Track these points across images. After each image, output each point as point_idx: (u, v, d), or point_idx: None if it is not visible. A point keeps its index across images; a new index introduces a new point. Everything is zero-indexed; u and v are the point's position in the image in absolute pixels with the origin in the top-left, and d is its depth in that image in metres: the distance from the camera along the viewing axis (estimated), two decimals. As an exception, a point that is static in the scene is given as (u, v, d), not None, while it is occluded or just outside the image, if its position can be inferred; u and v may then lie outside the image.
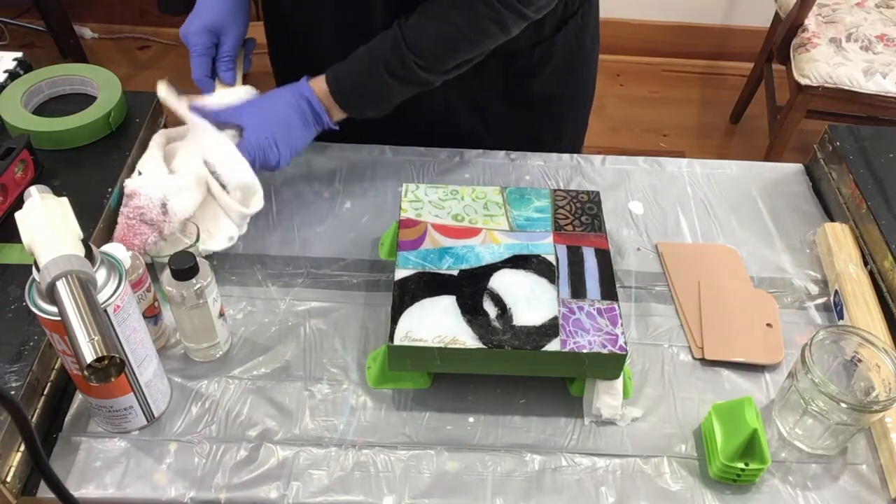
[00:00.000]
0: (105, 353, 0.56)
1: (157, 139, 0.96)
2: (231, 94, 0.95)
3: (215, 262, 0.91)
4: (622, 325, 0.77)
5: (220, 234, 0.90)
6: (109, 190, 0.92)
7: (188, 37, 0.97)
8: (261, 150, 0.89)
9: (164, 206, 0.85)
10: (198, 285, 0.75)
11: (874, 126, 1.09)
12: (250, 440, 0.76)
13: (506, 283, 0.80)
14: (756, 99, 2.55)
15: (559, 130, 1.17)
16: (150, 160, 0.93)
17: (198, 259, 0.75)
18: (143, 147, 1.00)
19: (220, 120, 0.92)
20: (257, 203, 0.92)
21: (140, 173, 0.92)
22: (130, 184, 0.88)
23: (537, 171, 1.07)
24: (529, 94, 1.09)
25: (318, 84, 0.92)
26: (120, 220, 0.87)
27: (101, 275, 0.65)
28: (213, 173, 0.91)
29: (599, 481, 0.75)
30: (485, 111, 1.09)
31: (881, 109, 2.01)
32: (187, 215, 0.86)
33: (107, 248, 0.70)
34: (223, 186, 0.90)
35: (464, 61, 0.92)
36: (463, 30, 0.88)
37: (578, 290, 0.80)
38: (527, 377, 0.81)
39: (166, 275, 0.75)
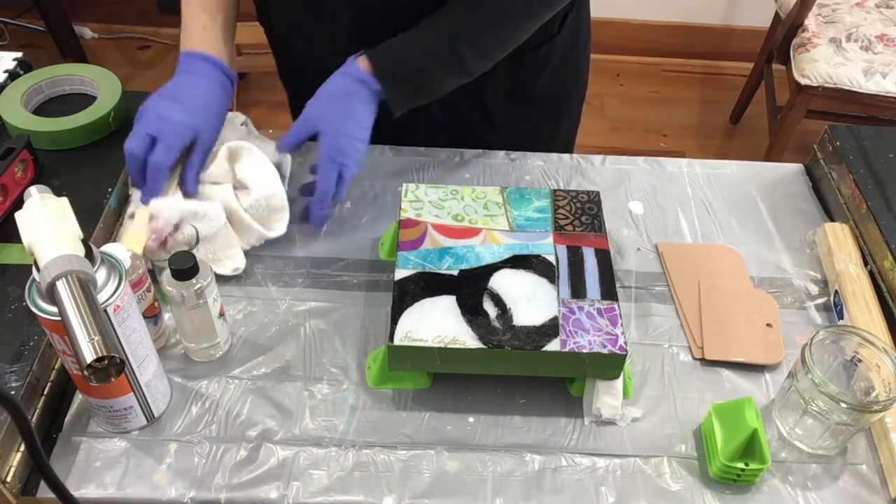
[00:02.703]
0: (105, 353, 0.56)
1: None
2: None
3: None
4: (622, 325, 0.77)
5: (227, 262, 0.90)
6: (109, 190, 0.92)
7: (165, 123, 0.84)
8: (342, 152, 0.88)
9: (176, 226, 0.85)
10: (198, 285, 0.75)
11: (874, 126, 1.09)
12: (250, 440, 0.76)
13: (506, 283, 0.80)
14: (756, 99, 2.55)
15: (557, 127, 1.17)
16: None
17: (198, 259, 0.75)
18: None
19: (294, 141, 0.91)
20: (280, 227, 0.93)
21: (132, 181, 0.92)
22: (154, 206, 0.86)
23: (537, 171, 1.07)
24: (533, 93, 1.09)
25: (366, 65, 0.89)
26: (132, 228, 0.87)
27: (101, 275, 0.65)
28: (242, 189, 0.92)
29: (599, 481, 0.75)
30: (491, 111, 1.09)
31: (881, 109, 2.01)
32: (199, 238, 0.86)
33: (107, 248, 0.70)
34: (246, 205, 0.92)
35: (507, 48, 0.92)
36: (514, 8, 0.88)
37: (578, 290, 0.80)
38: (527, 377, 0.81)
39: (166, 275, 0.75)
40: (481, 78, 0.95)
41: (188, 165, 0.88)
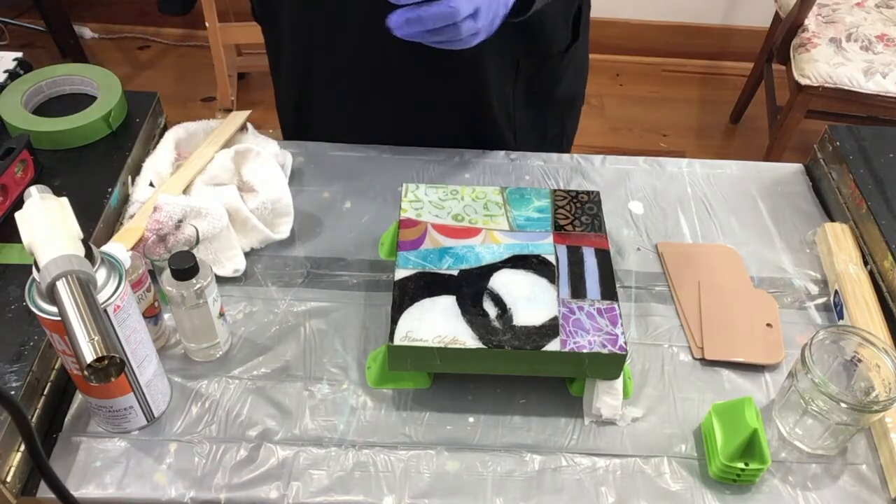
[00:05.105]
0: (105, 353, 0.56)
1: (168, 142, 0.96)
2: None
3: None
4: (622, 325, 0.77)
5: (228, 264, 0.90)
6: (109, 190, 0.92)
7: None
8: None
9: (179, 222, 0.86)
10: (198, 285, 0.75)
11: (874, 126, 1.09)
12: (250, 440, 0.76)
13: (506, 283, 0.80)
14: (756, 99, 2.55)
15: (563, 128, 1.18)
16: (156, 166, 0.93)
17: (198, 259, 0.75)
18: (144, 147, 1.00)
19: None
20: (285, 230, 0.94)
21: (132, 181, 0.92)
22: (162, 198, 0.87)
23: (537, 171, 1.07)
24: (552, 98, 1.09)
25: None
26: (131, 222, 0.87)
27: (101, 275, 0.65)
28: (250, 191, 0.92)
29: (599, 481, 0.75)
30: (513, 117, 1.09)
31: (881, 109, 2.01)
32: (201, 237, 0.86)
33: (107, 248, 0.70)
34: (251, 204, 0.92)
35: None
36: None
37: (578, 290, 0.80)
38: (527, 377, 0.81)
39: (166, 275, 0.75)
40: (504, 85, 0.94)
41: None
